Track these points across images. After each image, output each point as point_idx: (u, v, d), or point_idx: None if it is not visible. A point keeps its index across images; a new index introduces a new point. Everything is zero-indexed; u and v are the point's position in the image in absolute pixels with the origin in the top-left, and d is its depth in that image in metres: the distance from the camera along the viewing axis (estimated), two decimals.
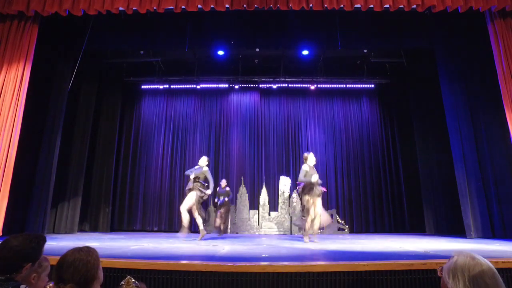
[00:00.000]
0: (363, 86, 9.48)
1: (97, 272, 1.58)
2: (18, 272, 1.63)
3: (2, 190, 5.19)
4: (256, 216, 8.67)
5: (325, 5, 5.60)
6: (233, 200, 8.63)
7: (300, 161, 9.37)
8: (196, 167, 6.14)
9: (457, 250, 1.30)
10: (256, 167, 9.37)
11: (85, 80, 8.17)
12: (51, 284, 1.77)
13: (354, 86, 9.49)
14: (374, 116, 9.73)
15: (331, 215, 8.63)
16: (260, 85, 9.65)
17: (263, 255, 3.65)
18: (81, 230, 8.18)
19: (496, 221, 6.00)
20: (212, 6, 5.67)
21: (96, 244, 4.42)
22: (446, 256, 3.37)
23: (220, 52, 8.38)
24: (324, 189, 5.56)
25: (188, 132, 9.70)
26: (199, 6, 5.68)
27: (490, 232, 5.98)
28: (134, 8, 5.64)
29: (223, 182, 7.91)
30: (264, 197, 8.85)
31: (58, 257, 1.58)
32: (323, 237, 7.20)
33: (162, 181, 9.30)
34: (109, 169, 8.87)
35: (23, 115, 5.61)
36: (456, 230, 6.77)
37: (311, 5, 5.64)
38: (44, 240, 1.77)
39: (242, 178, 9.08)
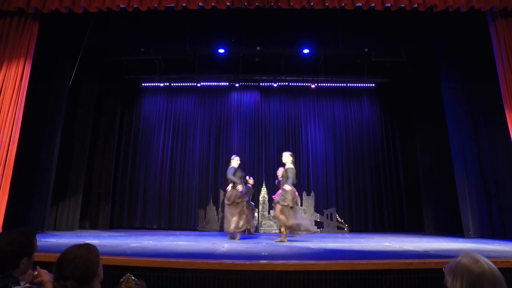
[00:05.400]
0: (364, 85, 9.46)
1: (97, 269, 1.59)
2: (16, 268, 1.63)
3: (2, 187, 5.19)
4: (256, 214, 8.68)
5: (326, 4, 5.58)
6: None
7: (301, 159, 9.38)
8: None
9: (465, 251, 1.29)
10: (256, 165, 9.37)
11: (86, 78, 8.16)
12: (35, 273, 1.79)
13: (355, 85, 9.47)
14: (374, 116, 9.73)
15: (330, 214, 8.66)
16: (261, 84, 9.64)
17: (263, 254, 3.66)
18: (81, 227, 8.19)
19: (495, 221, 6.00)
20: (213, 4, 5.65)
21: (96, 242, 4.42)
22: (445, 256, 3.38)
23: (221, 50, 8.36)
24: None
25: (188, 130, 9.70)
26: (200, 4, 5.66)
27: (490, 232, 5.99)
28: (135, 6, 5.62)
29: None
30: (263, 195, 8.86)
31: (58, 254, 1.58)
32: (323, 236, 7.22)
33: (162, 179, 9.30)
34: (109, 167, 8.88)
35: (24, 112, 5.60)
36: (456, 230, 6.78)
37: (312, 4, 5.62)
38: (33, 233, 1.77)
39: None
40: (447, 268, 1.25)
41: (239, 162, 6.18)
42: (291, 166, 5.53)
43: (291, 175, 5.40)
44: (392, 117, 9.61)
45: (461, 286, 1.17)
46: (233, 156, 6.25)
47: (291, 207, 5.34)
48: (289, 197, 5.30)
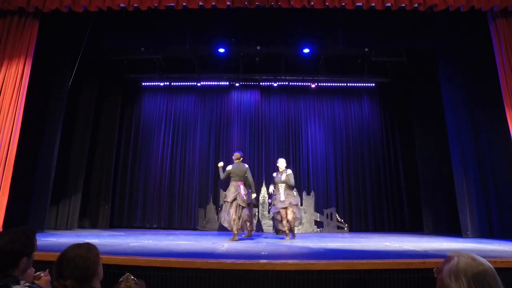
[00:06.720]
0: (364, 85, 9.46)
1: (97, 268, 1.59)
2: (16, 267, 1.64)
3: (2, 187, 5.19)
4: (256, 214, 8.68)
5: (327, 3, 5.59)
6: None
7: (301, 159, 9.38)
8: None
9: (455, 251, 1.30)
10: (256, 165, 9.36)
11: (86, 77, 8.15)
12: (42, 274, 1.79)
13: (355, 85, 9.46)
14: (374, 115, 9.72)
15: (330, 214, 8.66)
16: (261, 83, 9.63)
17: (263, 253, 3.66)
18: (81, 226, 8.20)
19: (494, 221, 6.01)
20: (213, 3, 5.66)
21: (95, 241, 4.43)
22: (445, 256, 3.38)
23: (221, 50, 8.36)
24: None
25: (188, 129, 9.69)
26: (200, 3, 5.67)
27: (488, 232, 5.99)
28: (135, 5, 5.63)
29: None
30: (263, 195, 8.86)
31: (58, 253, 1.58)
32: (322, 235, 7.22)
33: (162, 178, 9.30)
34: (109, 166, 8.87)
35: (24, 111, 5.60)
36: (455, 230, 6.78)
37: (312, 3, 5.63)
38: (33, 232, 1.77)
39: None
40: (445, 272, 1.25)
41: None
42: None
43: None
44: (392, 117, 9.60)
45: (469, 286, 1.17)
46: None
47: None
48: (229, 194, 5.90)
